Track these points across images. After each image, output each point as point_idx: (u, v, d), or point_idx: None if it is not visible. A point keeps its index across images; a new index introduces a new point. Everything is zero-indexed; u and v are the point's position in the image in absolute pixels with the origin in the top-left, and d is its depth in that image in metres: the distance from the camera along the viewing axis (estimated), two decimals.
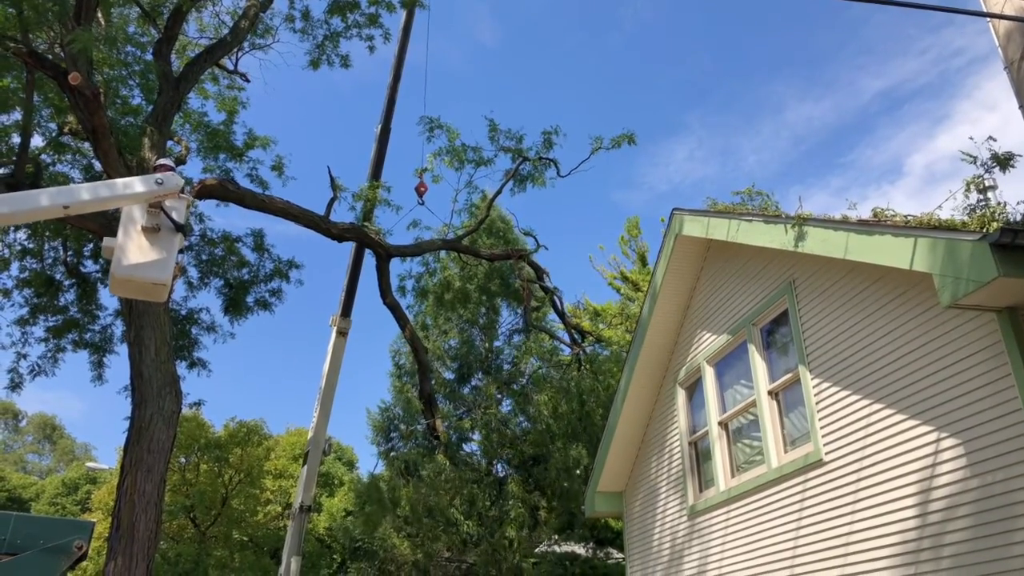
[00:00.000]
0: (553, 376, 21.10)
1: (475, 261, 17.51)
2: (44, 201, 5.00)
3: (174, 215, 5.31)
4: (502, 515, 19.25)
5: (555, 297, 18.20)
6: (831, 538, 6.75)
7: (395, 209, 15.11)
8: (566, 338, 19.25)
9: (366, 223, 14.62)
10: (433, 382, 23.05)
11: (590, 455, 19.00)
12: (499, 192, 16.97)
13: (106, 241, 5.21)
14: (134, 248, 5.16)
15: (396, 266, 14.48)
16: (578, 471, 19.48)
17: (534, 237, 17.28)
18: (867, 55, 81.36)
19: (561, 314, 18.41)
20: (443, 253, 17.08)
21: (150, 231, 5.18)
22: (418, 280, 16.87)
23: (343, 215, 15.49)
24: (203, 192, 11.94)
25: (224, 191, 12.24)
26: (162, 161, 5.91)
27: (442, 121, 14.81)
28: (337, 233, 13.67)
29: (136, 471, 10.24)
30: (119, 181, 5.34)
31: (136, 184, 5.23)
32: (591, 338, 20.20)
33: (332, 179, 14.46)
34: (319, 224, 13.50)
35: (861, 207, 7.08)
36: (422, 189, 15.93)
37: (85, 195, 5.18)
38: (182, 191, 5.39)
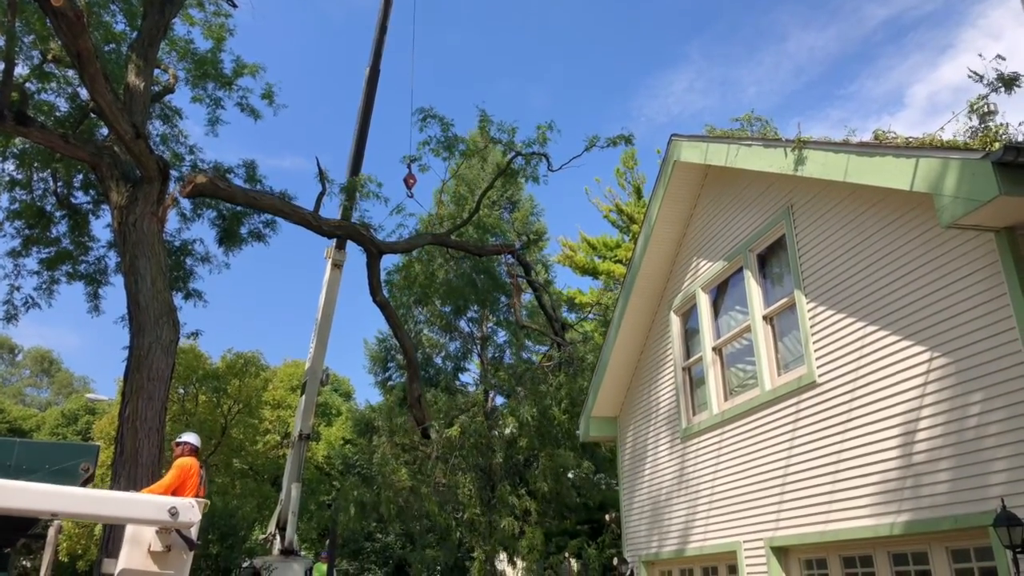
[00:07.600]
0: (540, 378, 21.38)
1: (462, 255, 17.35)
2: (37, 505, 4.48)
3: (190, 531, 4.91)
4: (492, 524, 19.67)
5: (543, 293, 18.16)
6: (822, 456, 6.91)
7: (383, 201, 14.78)
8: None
9: (354, 222, 14.25)
10: (428, 316, 23.18)
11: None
12: (490, 187, 16.77)
13: (106, 564, 4.78)
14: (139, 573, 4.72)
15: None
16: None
17: (528, 236, 17.05)
18: None
19: (547, 310, 18.26)
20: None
21: (159, 554, 4.79)
22: (403, 274, 16.76)
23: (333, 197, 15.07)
24: (193, 192, 11.75)
25: (215, 189, 12.02)
26: (187, 438, 5.56)
27: (436, 112, 14.45)
28: (328, 230, 13.38)
29: (137, 398, 10.36)
30: (128, 499, 4.88)
31: (148, 510, 4.76)
32: (577, 331, 20.25)
33: (320, 171, 14.01)
34: (309, 221, 13.16)
35: (861, 136, 7.01)
36: (411, 181, 15.37)
37: (90, 509, 4.68)
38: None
